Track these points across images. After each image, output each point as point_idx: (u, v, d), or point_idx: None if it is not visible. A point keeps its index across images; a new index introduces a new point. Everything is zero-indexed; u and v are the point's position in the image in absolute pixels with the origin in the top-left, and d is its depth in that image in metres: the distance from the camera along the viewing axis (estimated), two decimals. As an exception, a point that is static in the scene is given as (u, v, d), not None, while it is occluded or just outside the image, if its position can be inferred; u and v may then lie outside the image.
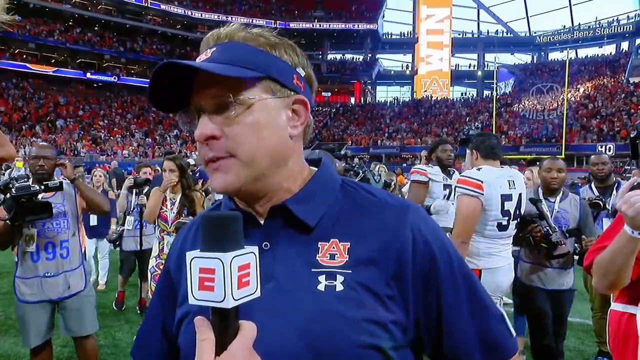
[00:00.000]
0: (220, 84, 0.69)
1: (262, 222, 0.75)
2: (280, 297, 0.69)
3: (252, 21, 42.57)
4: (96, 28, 39.78)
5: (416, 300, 0.71)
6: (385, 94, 55.91)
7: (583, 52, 48.21)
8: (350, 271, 0.69)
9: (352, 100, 49.93)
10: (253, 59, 0.71)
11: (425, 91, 49.30)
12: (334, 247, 0.71)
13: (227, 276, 0.52)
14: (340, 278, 0.69)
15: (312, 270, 0.70)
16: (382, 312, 0.68)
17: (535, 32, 52.43)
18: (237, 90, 0.70)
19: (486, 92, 47.89)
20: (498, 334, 0.76)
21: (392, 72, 54.45)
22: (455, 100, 46.50)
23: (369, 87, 53.03)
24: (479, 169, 2.86)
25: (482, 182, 2.77)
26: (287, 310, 0.68)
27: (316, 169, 0.81)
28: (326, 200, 0.76)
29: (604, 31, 46.31)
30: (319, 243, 0.72)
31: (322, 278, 0.69)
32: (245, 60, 0.71)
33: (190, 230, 0.86)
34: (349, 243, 0.71)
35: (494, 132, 31.78)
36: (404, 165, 26.65)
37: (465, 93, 51.24)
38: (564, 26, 50.70)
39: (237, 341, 0.54)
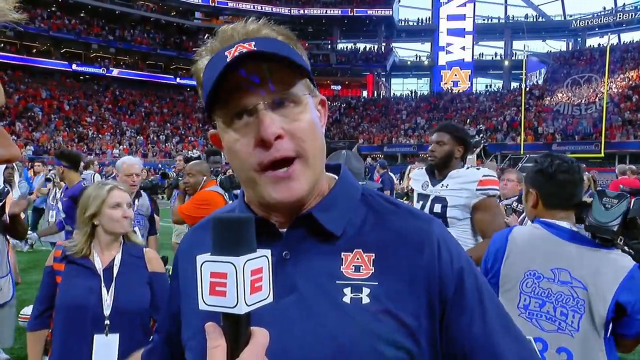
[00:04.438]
0: (276, 78, 0.70)
1: (282, 229, 0.77)
2: (304, 310, 0.71)
3: (254, 7, 41.88)
4: (82, 14, 39.39)
5: (442, 314, 0.73)
6: (401, 86, 55.23)
7: (627, 37, 46.62)
8: (376, 283, 0.72)
9: (365, 93, 49.39)
10: (293, 54, 0.71)
11: (446, 83, 48.36)
12: (358, 259, 0.74)
13: (240, 281, 0.53)
14: (366, 290, 0.71)
15: (337, 282, 0.72)
16: (410, 323, 0.70)
17: (570, 16, 51.12)
18: (290, 85, 0.71)
19: (514, 84, 47.02)
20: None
21: (409, 62, 53.80)
22: (479, 93, 45.70)
23: (383, 79, 52.45)
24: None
25: None
26: (311, 323, 0.70)
27: (334, 175, 0.83)
28: (349, 208, 0.78)
29: (654, 12, 44.66)
30: (343, 254, 0.74)
31: (347, 290, 0.71)
32: (289, 54, 0.70)
33: (197, 233, 0.88)
34: (373, 254, 0.74)
35: (522, 128, 30.96)
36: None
37: (490, 85, 50.22)
38: (605, 8, 49.21)
39: (250, 349, 0.55)
